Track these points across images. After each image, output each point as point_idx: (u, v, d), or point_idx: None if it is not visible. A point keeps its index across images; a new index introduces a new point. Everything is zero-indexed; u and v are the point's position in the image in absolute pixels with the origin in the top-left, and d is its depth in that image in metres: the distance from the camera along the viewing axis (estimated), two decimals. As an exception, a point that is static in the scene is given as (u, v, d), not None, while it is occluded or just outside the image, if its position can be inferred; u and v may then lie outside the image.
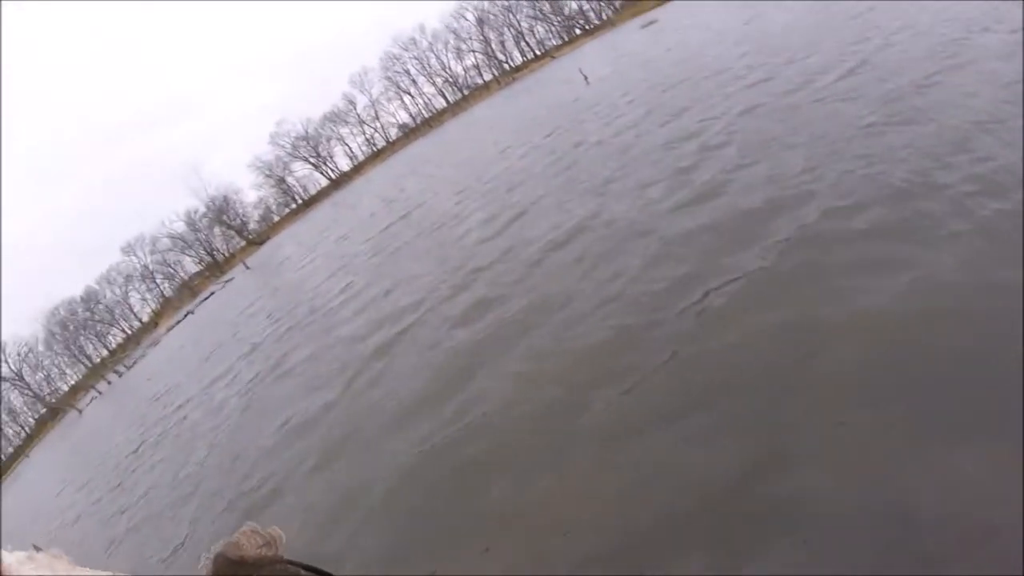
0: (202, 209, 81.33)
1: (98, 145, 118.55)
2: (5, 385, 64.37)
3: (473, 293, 7.42)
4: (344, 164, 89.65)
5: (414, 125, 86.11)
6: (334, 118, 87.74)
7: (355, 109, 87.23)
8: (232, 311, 23.09)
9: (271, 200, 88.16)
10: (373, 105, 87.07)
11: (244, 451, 7.32)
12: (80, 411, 42.37)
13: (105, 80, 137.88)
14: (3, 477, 51.14)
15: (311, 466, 5.61)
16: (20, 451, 59.26)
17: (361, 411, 6.10)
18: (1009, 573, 1.94)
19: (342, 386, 7.11)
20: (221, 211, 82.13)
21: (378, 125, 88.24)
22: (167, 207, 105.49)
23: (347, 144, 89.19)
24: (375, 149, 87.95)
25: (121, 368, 45.45)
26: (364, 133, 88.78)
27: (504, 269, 7.57)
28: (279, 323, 13.98)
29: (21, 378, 67.24)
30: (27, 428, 65.71)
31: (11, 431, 65.05)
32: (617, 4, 72.52)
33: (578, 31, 78.60)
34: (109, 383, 43.48)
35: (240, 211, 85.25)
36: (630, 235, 6.35)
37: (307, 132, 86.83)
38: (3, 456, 59.18)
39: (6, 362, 67.08)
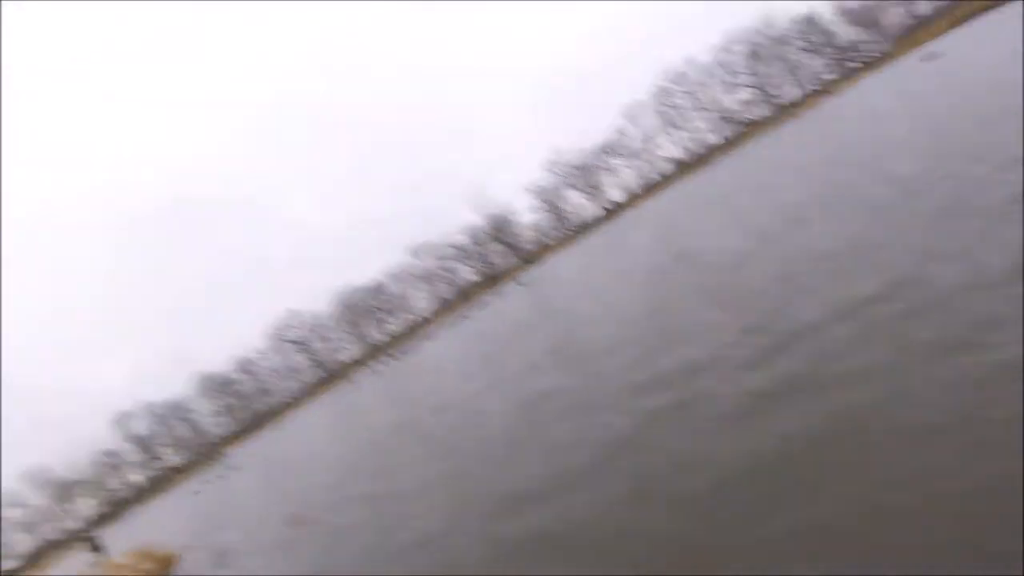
0: (482, 225, 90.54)
1: (395, 158, 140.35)
2: (293, 347, 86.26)
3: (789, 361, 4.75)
4: (616, 195, 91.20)
5: (687, 160, 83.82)
6: (607, 149, 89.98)
7: (627, 141, 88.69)
8: (505, 323, 22.50)
9: (545, 224, 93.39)
10: (645, 139, 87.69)
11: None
12: (355, 383, 48.31)
13: (404, 101, 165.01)
14: (277, 420, 70.33)
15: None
16: (297, 402, 77.19)
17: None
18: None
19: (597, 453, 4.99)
20: (499, 229, 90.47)
21: (650, 158, 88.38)
22: (452, 219, 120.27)
23: (619, 175, 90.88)
24: (648, 182, 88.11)
25: (397, 354, 51.04)
26: (636, 166, 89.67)
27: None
28: (542, 341, 12.56)
29: (307, 344, 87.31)
30: (306, 385, 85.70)
31: (291, 385, 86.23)
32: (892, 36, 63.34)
33: (854, 65, 69.48)
34: (384, 364, 48.56)
35: (516, 231, 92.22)
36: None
37: (581, 162, 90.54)
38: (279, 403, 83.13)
39: (297, 329, 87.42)
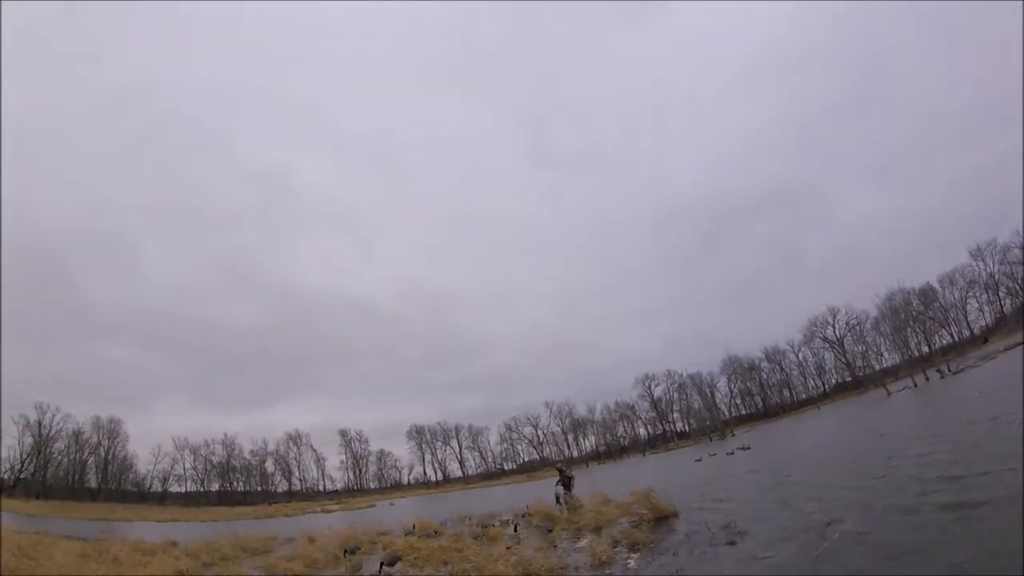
0: None
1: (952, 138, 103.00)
2: (825, 344, 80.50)
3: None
4: None
5: None
6: None
7: None
8: None
9: None
10: None
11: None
12: (889, 392, 43.79)
13: None
14: (791, 414, 70.04)
15: None
16: (812, 401, 77.62)
17: None
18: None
19: None
20: None
21: None
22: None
23: None
24: None
25: (944, 369, 43.55)
26: None
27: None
28: None
29: (841, 344, 79.75)
30: (827, 386, 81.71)
31: (812, 383, 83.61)
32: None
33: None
34: (927, 380, 42.57)
35: None
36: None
37: None
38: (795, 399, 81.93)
39: (832, 326, 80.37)
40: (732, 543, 7.28)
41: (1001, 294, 72.36)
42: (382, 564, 9.38)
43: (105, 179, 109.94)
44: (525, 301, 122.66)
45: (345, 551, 12.50)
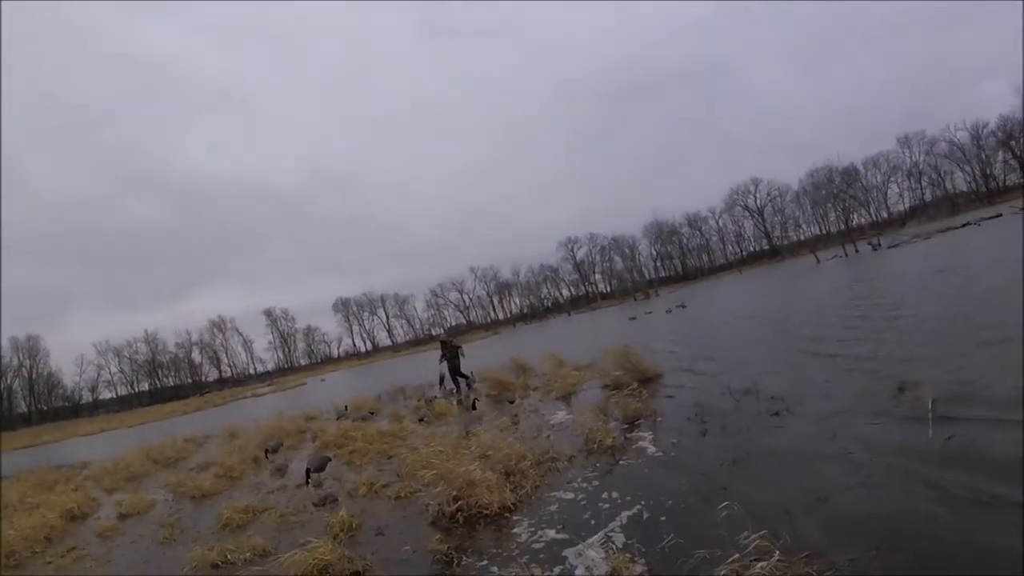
0: (991, 125, 68.52)
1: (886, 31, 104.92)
2: (745, 213, 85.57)
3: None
4: None
5: None
6: None
7: None
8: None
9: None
10: None
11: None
12: (819, 260, 45.55)
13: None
14: (709, 278, 70.70)
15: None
16: (732, 266, 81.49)
17: None
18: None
19: None
20: (1012, 135, 67.85)
21: None
22: (959, 111, 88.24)
23: None
24: None
25: (876, 243, 46.10)
26: None
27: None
28: None
29: (761, 214, 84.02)
30: (744, 253, 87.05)
31: (731, 249, 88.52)
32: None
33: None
34: (857, 251, 45.17)
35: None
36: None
37: None
38: (713, 264, 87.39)
39: (754, 196, 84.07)
40: (776, 414, 5.47)
41: (923, 183, 77.05)
42: (308, 471, 7.13)
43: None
44: (430, 177, 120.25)
45: (266, 451, 10.31)
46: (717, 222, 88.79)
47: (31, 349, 71.24)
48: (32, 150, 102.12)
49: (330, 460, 7.81)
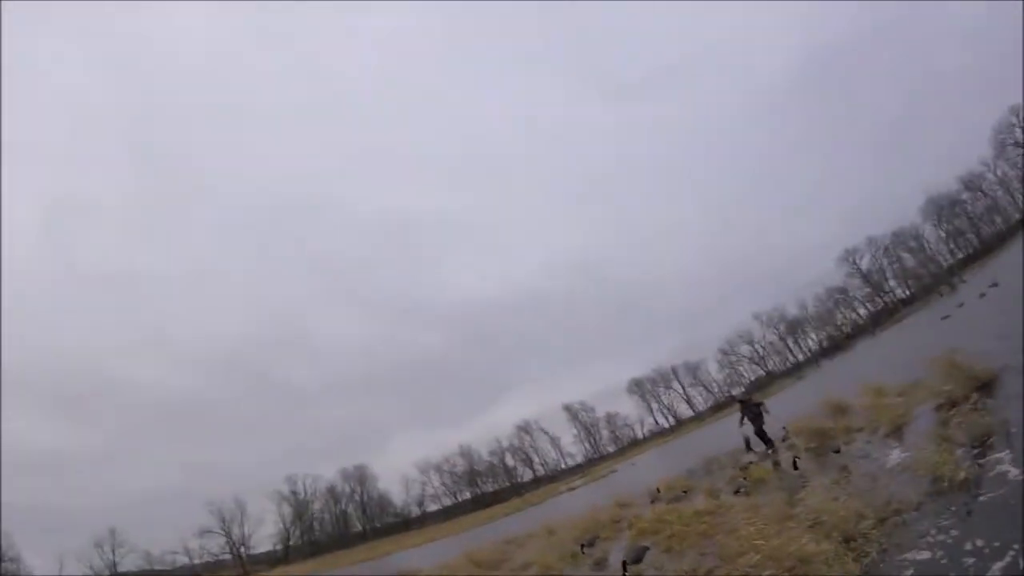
0: None
1: None
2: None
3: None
4: None
5: None
6: None
7: None
8: None
9: None
10: None
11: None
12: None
13: None
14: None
15: None
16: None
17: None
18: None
19: None
20: None
21: None
22: None
23: None
24: None
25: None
26: None
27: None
28: None
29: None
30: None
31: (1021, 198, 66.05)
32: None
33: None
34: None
35: None
36: None
37: None
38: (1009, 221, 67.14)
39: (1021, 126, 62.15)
40: None
41: None
42: (624, 563, 6.95)
43: (272, 287, 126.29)
44: (666, 241, 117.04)
45: (582, 545, 10.47)
46: (994, 173, 68.52)
47: (360, 476, 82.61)
48: (317, 318, 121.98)
49: (647, 549, 7.51)
